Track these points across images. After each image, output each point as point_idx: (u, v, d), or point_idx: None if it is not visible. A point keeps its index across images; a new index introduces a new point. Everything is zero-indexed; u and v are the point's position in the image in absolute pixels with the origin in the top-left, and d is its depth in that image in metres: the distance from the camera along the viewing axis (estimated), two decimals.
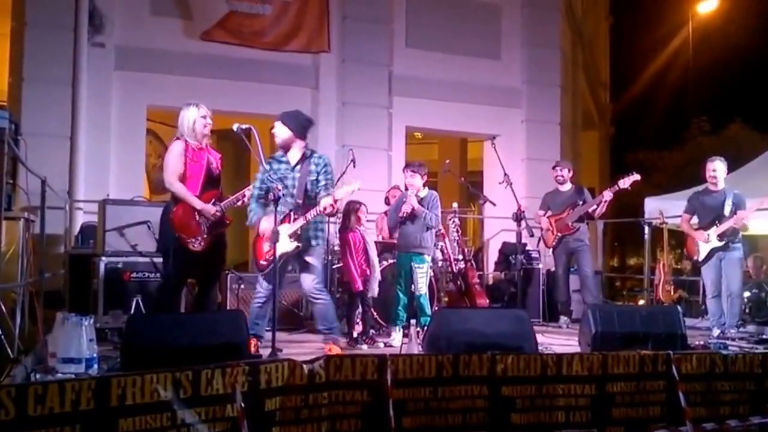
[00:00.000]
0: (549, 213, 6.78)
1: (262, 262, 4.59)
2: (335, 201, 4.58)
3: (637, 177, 6.46)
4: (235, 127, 4.48)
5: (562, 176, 6.79)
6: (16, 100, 7.12)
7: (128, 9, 7.70)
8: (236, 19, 7.90)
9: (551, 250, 6.80)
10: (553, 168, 6.91)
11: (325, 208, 4.52)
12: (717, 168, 6.17)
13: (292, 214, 4.57)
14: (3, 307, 3.78)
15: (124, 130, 7.61)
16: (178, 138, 4.53)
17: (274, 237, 4.29)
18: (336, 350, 4.50)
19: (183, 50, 7.80)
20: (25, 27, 7.19)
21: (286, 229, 4.51)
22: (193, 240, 4.41)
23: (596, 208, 6.53)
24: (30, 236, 4.75)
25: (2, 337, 3.62)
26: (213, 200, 4.53)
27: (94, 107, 7.44)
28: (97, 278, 5.27)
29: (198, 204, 4.42)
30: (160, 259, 4.78)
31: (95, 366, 3.65)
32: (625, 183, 6.42)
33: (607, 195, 6.46)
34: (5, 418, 2.58)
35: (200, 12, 7.77)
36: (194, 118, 4.52)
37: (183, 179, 4.45)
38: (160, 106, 7.67)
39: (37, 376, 3.51)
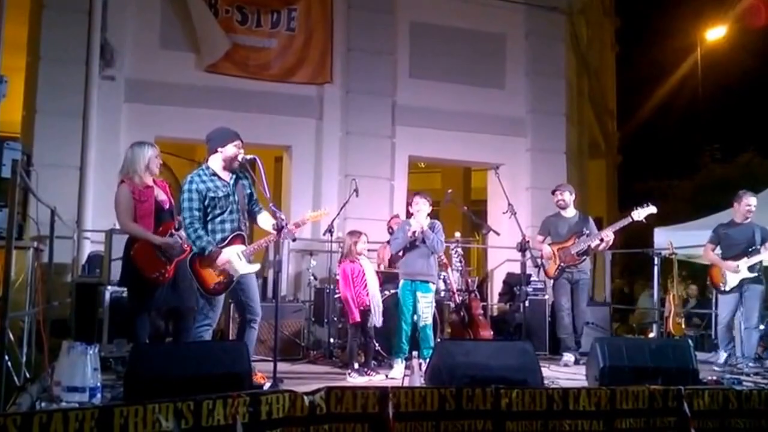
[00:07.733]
0: (549, 240, 6.48)
1: (215, 286, 4.37)
2: (303, 223, 4.59)
3: (652, 209, 6.15)
4: (239, 157, 4.57)
5: (564, 200, 6.47)
6: (29, 132, 7.24)
7: (138, 43, 7.86)
8: (242, 52, 8.06)
9: (552, 280, 6.49)
10: (553, 192, 6.58)
11: (292, 230, 4.44)
12: (753, 203, 6.23)
13: (243, 233, 4.48)
14: (11, 336, 3.82)
15: None
16: (123, 181, 4.61)
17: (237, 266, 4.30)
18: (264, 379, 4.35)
19: (191, 83, 7.92)
20: (39, 61, 7.34)
21: (241, 251, 4.42)
22: (157, 273, 4.50)
23: (599, 244, 6.24)
24: (39, 265, 4.82)
25: (9, 365, 3.66)
26: (170, 232, 4.60)
27: (103, 139, 7.54)
28: (102, 307, 5.33)
29: (157, 240, 4.51)
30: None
31: (99, 395, 3.70)
32: (639, 215, 6.12)
33: (606, 235, 6.13)
34: None
35: (206, 45, 7.92)
36: (149, 157, 4.63)
37: (136, 219, 4.54)
38: (168, 137, 7.78)
39: (42, 404, 3.57)
